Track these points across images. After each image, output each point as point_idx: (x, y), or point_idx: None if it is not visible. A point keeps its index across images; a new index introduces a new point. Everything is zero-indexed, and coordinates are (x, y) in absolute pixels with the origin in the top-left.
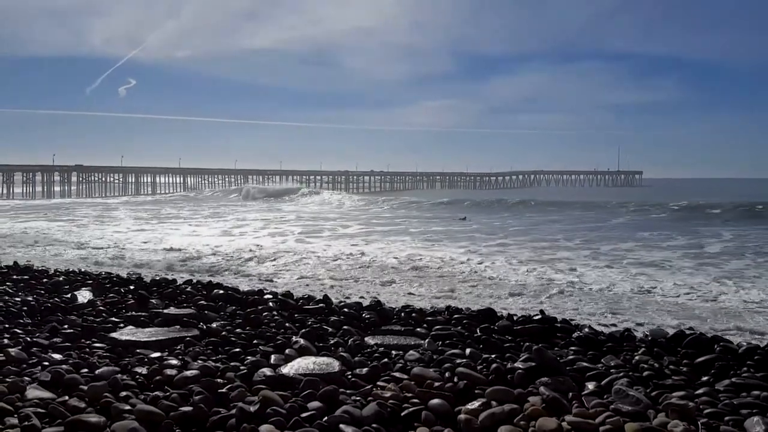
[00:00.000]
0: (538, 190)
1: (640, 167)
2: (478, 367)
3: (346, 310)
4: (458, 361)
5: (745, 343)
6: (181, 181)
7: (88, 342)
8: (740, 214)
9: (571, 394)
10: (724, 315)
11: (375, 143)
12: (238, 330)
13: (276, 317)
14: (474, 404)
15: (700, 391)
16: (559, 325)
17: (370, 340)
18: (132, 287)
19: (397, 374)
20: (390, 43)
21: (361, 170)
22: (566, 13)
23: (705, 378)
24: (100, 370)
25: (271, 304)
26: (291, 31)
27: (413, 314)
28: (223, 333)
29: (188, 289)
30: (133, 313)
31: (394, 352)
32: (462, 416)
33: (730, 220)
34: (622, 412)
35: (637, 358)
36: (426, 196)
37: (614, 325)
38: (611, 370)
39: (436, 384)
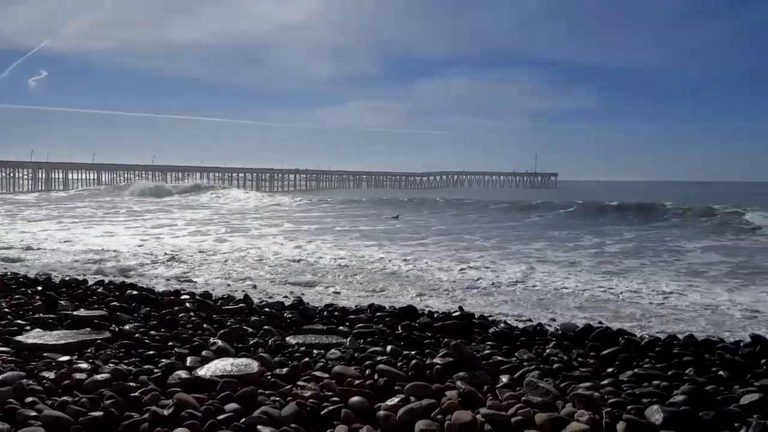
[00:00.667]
0: (461, 190)
1: (556, 170)
2: (399, 364)
3: (267, 309)
4: (379, 358)
5: (647, 336)
6: (95, 178)
7: None
8: (641, 212)
9: (486, 387)
10: (627, 309)
11: (302, 142)
12: (152, 332)
13: (193, 318)
14: (393, 400)
15: (605, 381)
16: (476, 321)
17: (291, 340)
18: (40, 288)
19: (317, 373)
20: (319, 42)
21: (286, 168)
22: (490, 20)
23: (610, 369)
24: (3, 375)
25: (188, 305)
26: (218, 25)
27: (336, 313)
28: (137, 335)
29: (100, 290)
30: (41, 315)
31: (315, 351)
32: (381, 413)
33: (633, 218)
34: (533, 403)
35: (548, 351)
36: (352, 195)
37: (530, 320)
38: (524, 364)
39: (357, 382)
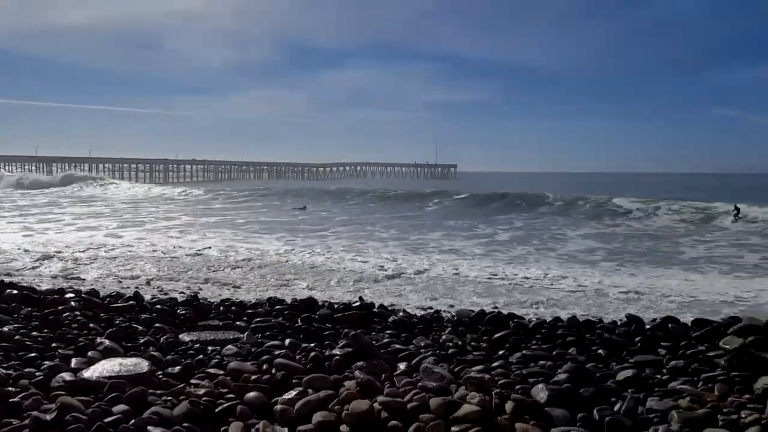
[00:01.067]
0: (364, 181)
1: (455, 161)
2: (297, 357)
3: (159, 306)
4: (277, 352)
5: (535, 319)
6: None
7: None
8: (527, 201)
9: (384, 375)
10: (518, 294)
11: (198, 131)
12: (34, 333)
13: (79, 317)
14: (291, 394)
15: (495, 364)
16: (376, 311)
17: (185, 337)
18: None
19: (212, 370)
20: (215, 29)
21: (182, 159)
22: (392, 13)
23: (501, 352)
24: None
25: (73, 303)
26: (106, 8)
27: (233, 308)
28: (17, 337)
29: None
30: None
31: (210, 348)
32: (278, 407)
33: (522, 205)
34: (428, 388)
35: (444, 337)
36: (254, 187)
37: (430, 308)
38: (421, 350)
39: (254, 377)
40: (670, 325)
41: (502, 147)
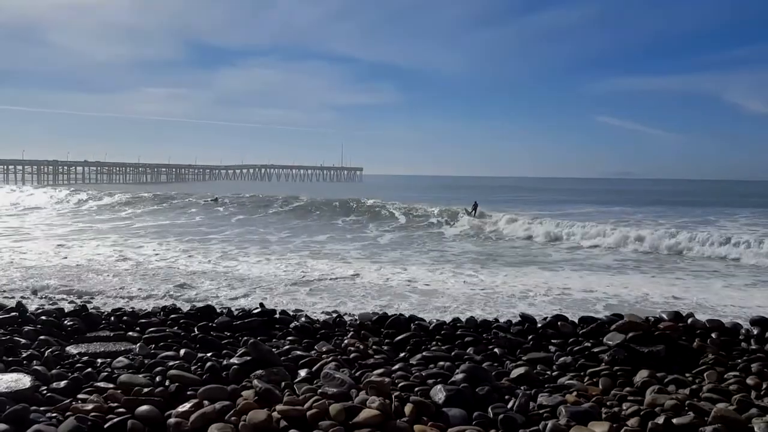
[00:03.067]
0: (268, 185)
1: (361, 164)
2: (193, 368)
3: (44, 317)
4: (171, 363)
5: (435, 321)
6: None
7: None
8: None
9: (284, 383)
10: (415, 296)
11: (91, 131)
12: None
13: None
14: (185, 406)
15: (396, 366)
16: (278, 317)
17: (72, 350)
18: None
19: (101, 384)
20: (108, 23)
21: (73, 160)
22: (294, 11)
23: (402, 354)
24: None
25: None
26: None
27: (125, 318)
28: None
29: None
30: None
31: (100, 360)
32: (172, 420)
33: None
34: (328, 394)
35: (346, 341)
36: (153, 190)
37: (336, 312)
38: (323, 356)
39: (146, 390)
40: (559, 323)
41: (406, 150)
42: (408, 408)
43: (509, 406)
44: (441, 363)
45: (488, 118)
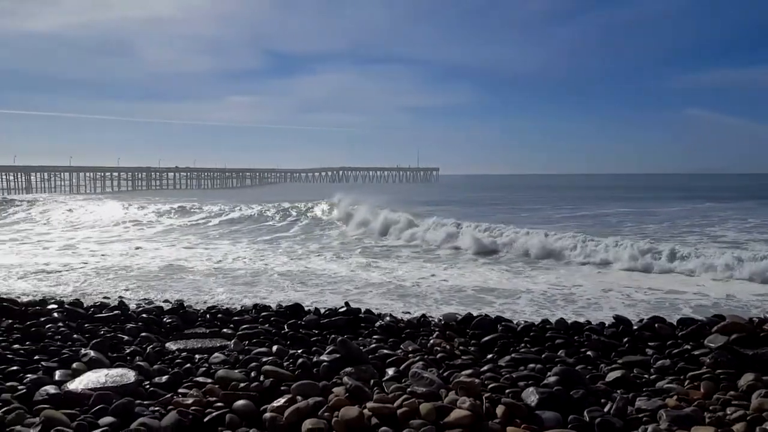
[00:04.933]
0: (345, 186)
1: (437, 164)
2: (285, 364)
3: (145, 315)
4: (264, 359)
5: (523, 322)
6: None
7: None
8: None
9: (373, 381)
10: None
11: (180, 138)
12: (15, 346)
13: (62, 329)
14: (280, 401)
15: (485, 368)
16: (363, 315)
17: (171, 346)
18: None
19: (200, 379)
20: (193, 36)
21: (164, 166)
22: (367, 17)
23: (490, 355)
24: None
25: (56, 314)
26: (77, 16)
27: (219, 315)
28: None
29: None
30: None
31: (197, 356)
32: (267, 414)
33: None
34: (418, 393)
35: (432, 341)
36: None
37: (411, 313)
38: (409, 355)
39: (242, 385)
40: (657, 325)
41: (483, 149)
42: (500, 410)
43: (606, 409)
44: (531, 365)
45: (566, 116)
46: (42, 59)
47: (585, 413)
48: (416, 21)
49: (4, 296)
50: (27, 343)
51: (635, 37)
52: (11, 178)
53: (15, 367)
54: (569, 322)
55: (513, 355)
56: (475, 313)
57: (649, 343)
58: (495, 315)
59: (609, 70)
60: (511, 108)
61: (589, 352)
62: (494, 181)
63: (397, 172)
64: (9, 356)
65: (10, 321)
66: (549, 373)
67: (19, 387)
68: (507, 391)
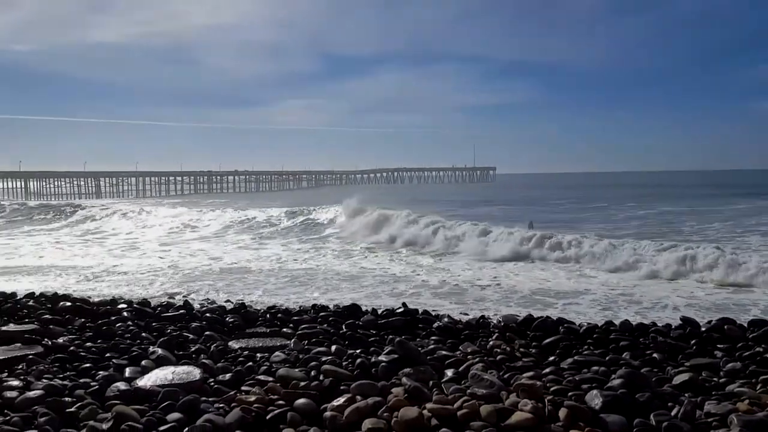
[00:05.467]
0: (400, 187)
1: (494, 164)
2: (344, 363)
3: (208, 314)
4: (324, 358)
5: (585, 324)
6: (23, 186)
7: None
8: None
9: (431, 382)
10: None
11: (239, 142)
12: (88, 344)
13: (131, 327)
14: (339, 400)
15: (547, 370)
16: (420, 316)
17: (234, 345)
18: None
19: (262, 377)
20: (252, 41)
21: (224, 170)
22: (421, 16)
23: (551, 358)
24: None
25: (125, 314)
26: (143, 25)
27: (279, 315)
28: (72, 348)
29: (30, 303)
30: None
31: (259, 354)
32: (328, 413)
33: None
34: (478, 395)
35: (491, 343)
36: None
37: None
38: (468, 357)
39: (302, 384)
40: (726, 327)
41: (541, 147)
42: (563, 413)
43: (673, 413)
44: (595, 368)
45: (628, 112)
46: (109, 68)
47: (651, 417)
48: (472, 17)
49: (77, 296)
50: (98, 341)
51: (705, 28)
52: (81, 183)
53: (88, 365)
54: (634, 323)
55: (576, 357)
56: (535, 315)
57: (718, 346)
58: (556, 317)
59: (676, 63)
60: (572, 104)
61: (654, 355)
62: (554, 180)
63: (453, 172)
64: (82, 354)
65: (82, 320)
66: (613, 376)
67: (92, 383)
68: (570, 393)
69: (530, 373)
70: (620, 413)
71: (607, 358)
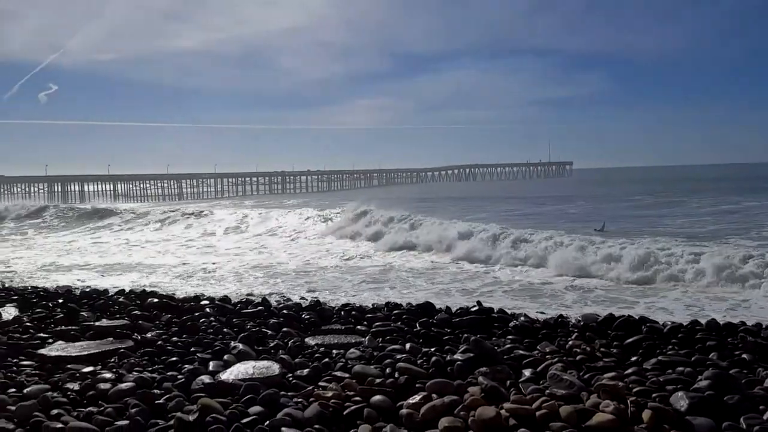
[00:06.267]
0: (473, 185)
1: (571, 158)
2: (419, 361)
3: (285, 311)
4: (399, 356)
5: (669, 323)
6: (111, 188)
7: (14, 360)
8: None
9: (509, 381)
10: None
11: (310, 143)
12: (174, 338)
13: (214, 323)
14: (415, 398)
15: (629, 370)
16: (495, 315)
17: (310, 341)
18: (60, 301)
19: (338, 373)
20: (322, 43)
21: (297, 170)
22: (492, 11)
23: (634, 358)
24: (28, 388)
25: (208, 310)
26: (218, 32)
27: (353, 312)
28: (159, 342)
29: (121, 300)
30: (63, 327)
31: (335, 351)
32: (404, 411)
33: None
34: (557, 396)
35: (570, 342)
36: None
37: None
38: (546, 356)
39: (378, 381)
40: None
41: (619, 140)
42: (646, 414)
43: (765, 417)
44: (680, 368)
45: (709, 102)
46: (188, 74)
47: (741, 420)
48: (543, 9)
49: (163, 293)
50: (184, 336)
51: None
52: (165, 185)
53: (174, 358)
54: (721, 322)
55: (659, 357)
56: (616, 314)
57: None
58: (638, 315)
59: (757, 52)
60: (650, 96)
61: (744, 355)
62: (633, 175)
63: (527, 167)
64: (169, 348)
65: (169, 316)
66: (700, 377)
67: (179, 376)
68: (654, 395)
69: (612, 374)
70: (707, 416)
71: (692, 358)
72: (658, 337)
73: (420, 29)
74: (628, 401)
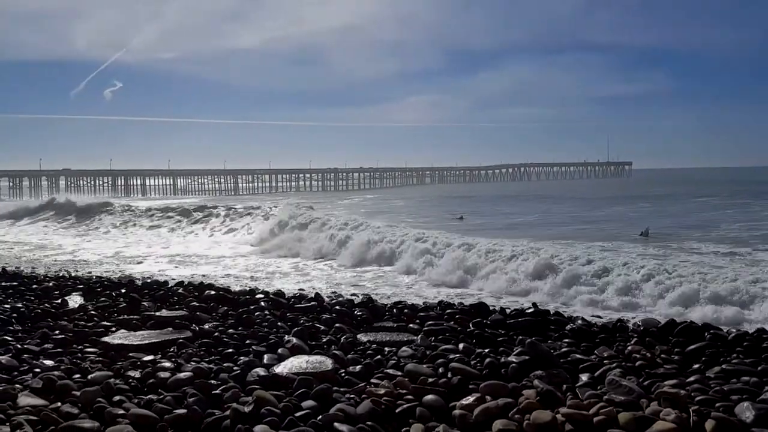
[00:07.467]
0: (526, 184)
1: (630, 158)
2: (472, 362)
3: (338, 307)
4: (451, 356)
5: (734, 330)
6: (171, 183)
7: (79, 347)
8: None
9: (565, 386)
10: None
11: (364, 140)
12: (230, 330)
13: (268, 317)
14: (468, 399)
15: (691, 378)
16: (552, 317)
17: (362, 338)
18: (123, 291)
19: (390, 371)
20: (375, 40)
21: (350, 167)
22: (550, 6)
23: (696, 365)
24: (92, 375)
25: (262, 303)
26: (275, 31)
27: (405, 310)
28: (216, 334)
29: (180, 291)
30: (125, 316)
31: (386, 348)
32: (457, 411)
33: None
34: (616, 402)
35: (629, 348)
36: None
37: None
38: (604, 361)
39: (430, 380)
40: None
41: (681, 141)
42: (709, 424)
43: None
44: (745, 378)
45: None
46: (244, 72)
47: None
48: (603, 4)
49: (220, 286)
50: (239, 328)
51: None
52: (222, 180)
53: (230, 350)
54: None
55: (723, 366)
56: (678, 319)
57: None
58: (701, 322)
59: None
60: (715, 94)
61: None
62: (695, 176)
63: (585, 167)
64: (225, 339)
65: (225, 308)
66: (766, 388)
67: (234, 368)
68: (717, 404)
69: (673, 381)
70: None
71: (759, 368)
72: (722, 344)
73: (475, 25)
74: (690, 410)
